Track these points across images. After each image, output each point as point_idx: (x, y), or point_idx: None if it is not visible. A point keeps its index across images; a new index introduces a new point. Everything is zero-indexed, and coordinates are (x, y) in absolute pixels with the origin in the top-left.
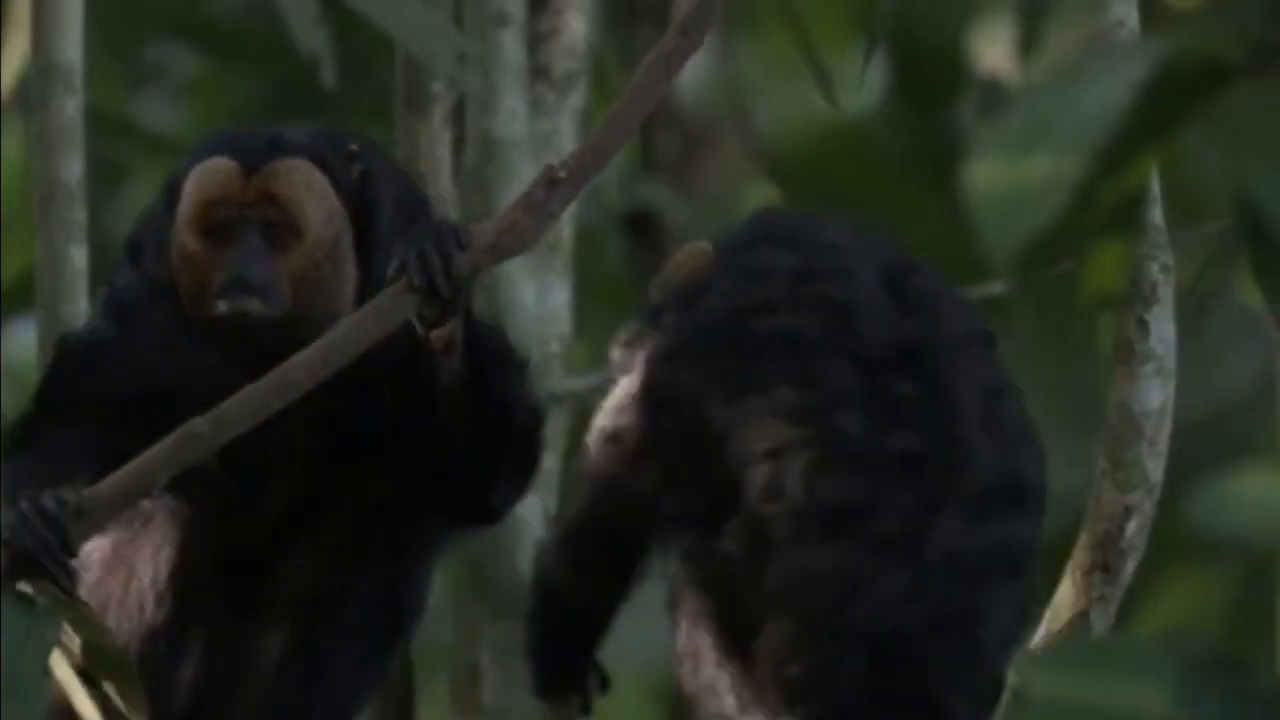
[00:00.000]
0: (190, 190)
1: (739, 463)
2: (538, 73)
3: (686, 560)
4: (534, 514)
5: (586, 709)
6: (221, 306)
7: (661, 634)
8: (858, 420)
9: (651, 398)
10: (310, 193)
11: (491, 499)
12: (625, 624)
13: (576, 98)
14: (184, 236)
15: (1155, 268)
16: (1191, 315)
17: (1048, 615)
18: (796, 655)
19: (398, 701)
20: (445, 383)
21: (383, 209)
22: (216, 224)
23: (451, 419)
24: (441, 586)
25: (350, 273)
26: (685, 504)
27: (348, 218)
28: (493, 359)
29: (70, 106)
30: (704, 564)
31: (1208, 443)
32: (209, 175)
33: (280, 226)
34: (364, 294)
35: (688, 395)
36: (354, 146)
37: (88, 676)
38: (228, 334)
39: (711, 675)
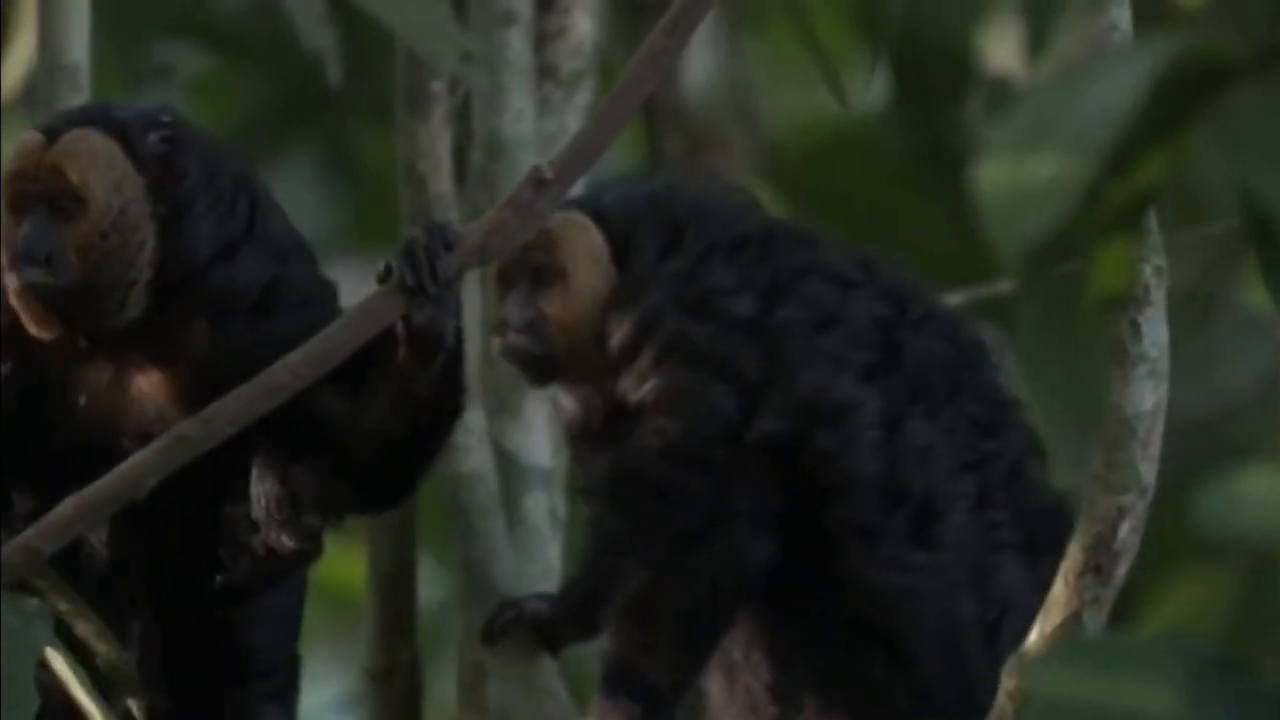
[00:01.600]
0: (8, 162)
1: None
2: (544, 71)
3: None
4: (541, 516)
5: None
6: (14, 280)
7: None
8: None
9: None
10: (94, 162)
11: (414, 484)
12: None
13: (583, 96)
14: (4, 206)
15: (1148, 270)
16: (1195, 316)
17: (1041, 617)
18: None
19: (405, 701)
20: (418, 381)
21: (189, 183)
22: (17, 197)
23: (404, 412)
24: (446, 587)
25: (147, 240)
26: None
27: (145, 186)
28: (457, 356)
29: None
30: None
31: (1211, 443)
32: (18, 149)
33: (64, 197)
34: (165, 261)
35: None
36: (165, 118)
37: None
38: (25, 306)
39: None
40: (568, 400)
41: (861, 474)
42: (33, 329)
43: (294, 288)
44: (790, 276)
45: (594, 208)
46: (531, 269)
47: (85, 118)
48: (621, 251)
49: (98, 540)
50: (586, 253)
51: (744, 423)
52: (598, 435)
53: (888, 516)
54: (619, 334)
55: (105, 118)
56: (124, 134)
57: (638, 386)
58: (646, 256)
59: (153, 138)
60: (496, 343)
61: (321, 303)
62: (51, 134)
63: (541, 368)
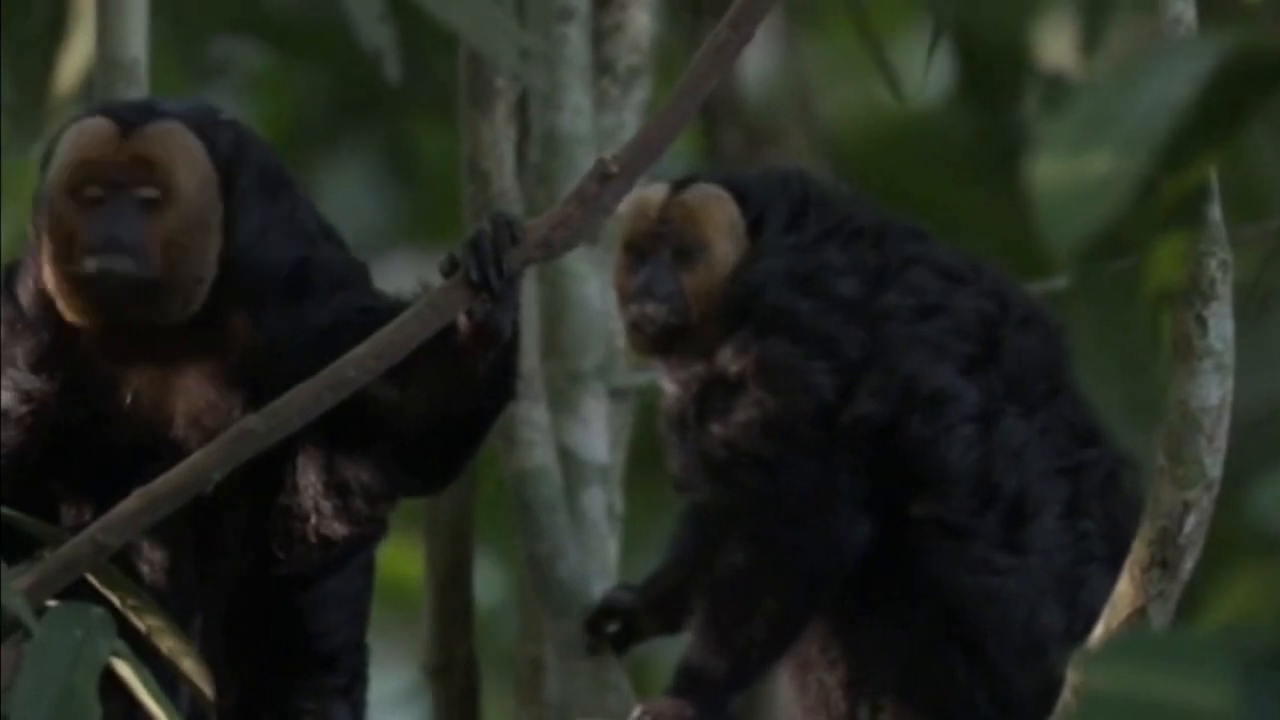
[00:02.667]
0: (65, 150)
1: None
2: (602, 68)
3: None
4: (598, 510)
5: None
6: (90, 265)
7: None
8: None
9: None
10: (185, 156)
11: (462, 467)
12: None
13: (641, 92)
14: (56, 195)
15: (1214, 264)
16: (1253, 311)
17: (1106, 612)
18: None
19: (462, 697)
20: (472, 370)
21: (248, 180)
22: (89, 183)
23: (456, 398)
24: (505, 584)
25: (216, 238)
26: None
27: (219, 184)
28: (514, 345)
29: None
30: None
31: (1268, 439)
32: (85, 135)
33: (152, 189)
34: (225, 262)
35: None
36: (227, 117)
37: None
38: (94, 295)
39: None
40: (669, 383)
41: (955, 467)
42: (75, 315)
43: (324, 269)
44: (899, 265)
45: (731, 182)
46: (673, 240)
47: (159, 111)
48: (755, 226)
49: (154, 539)
50: (726, 225)
51: (841, 403)
52: (695, 413)
53: (978, 515)
54: (726, 300)
55: (179, 112)
56: (203, 131)
57: (738, 357)
58: (772, 230)
59: (225, 136)
60: (631, 309)
61: (355, 282)
62: (125, 124)
63: (670, 338)
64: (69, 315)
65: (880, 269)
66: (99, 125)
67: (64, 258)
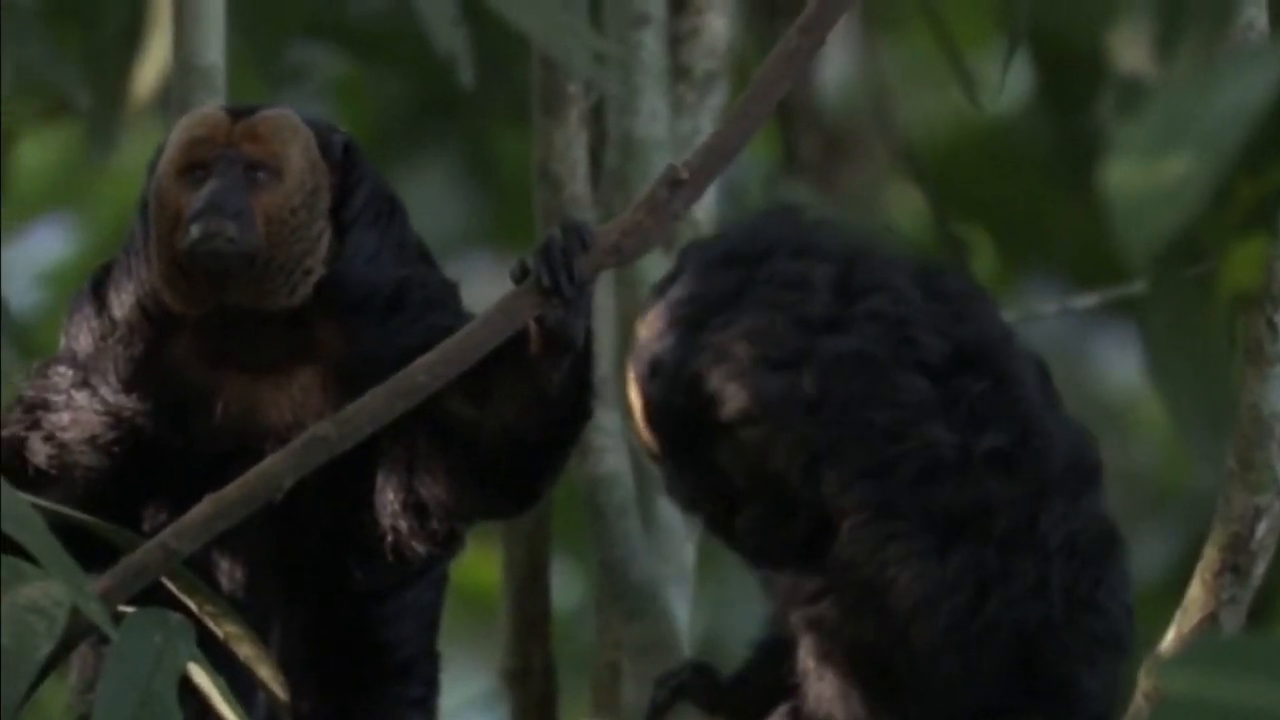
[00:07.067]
0: (176, 136)
1: (834, 489)
2: (678, 73)
3: (797, 601)
4: (675, 517)
5: None
6: (194, 231)
7: None
8: (944, 428)
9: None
10: (295, 137)
11: (543, 488)
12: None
13: (717, 98)
14: (164, 178)
15: None
16: None
17: (1178, 617)
18: (943, 663)
19: (540, 702)
20: (546, 382)
21: (361, 191)
22: (197, 162)
23: (532, 413)
24: (582, 589)
25: (324, 234)
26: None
27: (330, 182)
28: (587, 357)
29: (212, 108)
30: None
31: None
32: (196, 119)
33: (260, 164)
34: (332, 271)
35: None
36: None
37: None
38: (198, 265)
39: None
40: None
41: None
42: (178, 298)
43: (420, 288)
44: None
45: None
46: None
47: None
48: None
49: (235, 552)
50: None
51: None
52: None
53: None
54: None
55: (299, 112)
56: (317, 130)
57: None
58: None
59: (336, 139)
60: None
61: (446, 302)
62: (236, 112)
63: None
64: (172, 301)
65: None
66: (209, 112)
67: (170, 234)
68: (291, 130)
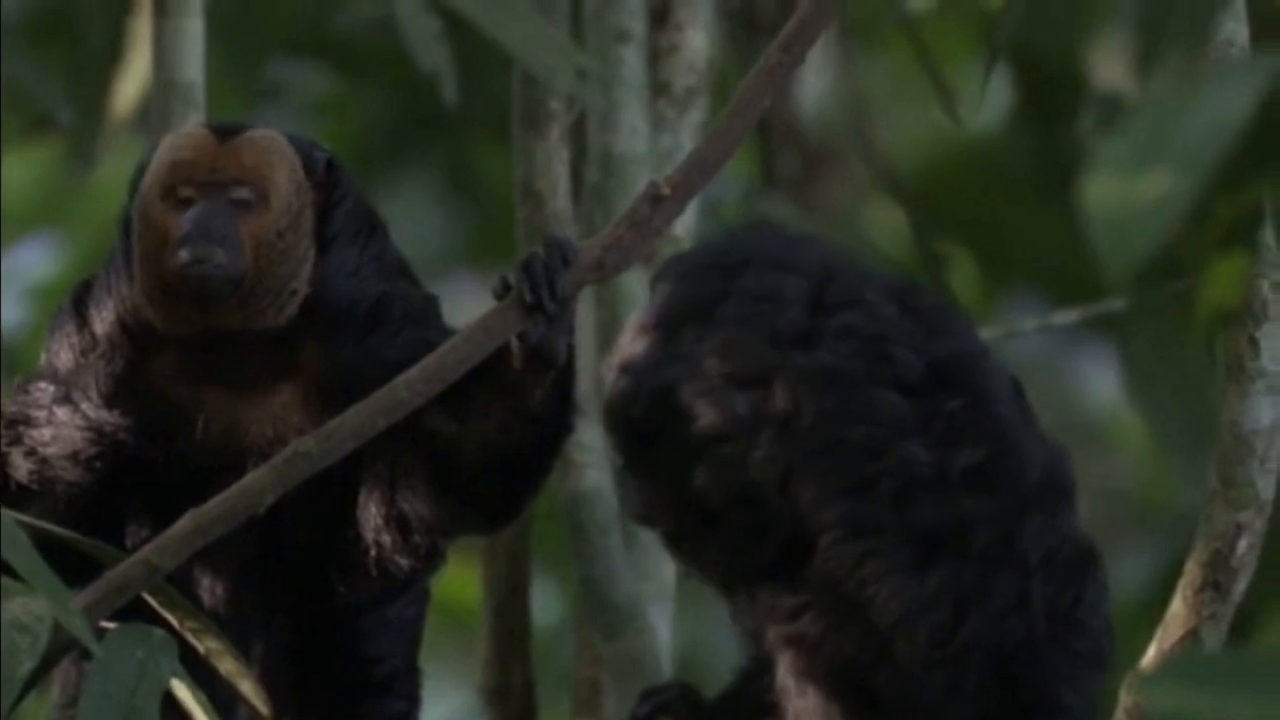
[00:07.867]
0: (161, 155)
1: (810, 506)
2: (658, 89)
3: (775, 619)
4: (656, 534)
5: None
6: (183, 255)
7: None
8: (920, 445)
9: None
10: (281, 160)
11: (524, 504)
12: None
13: (697, 113)
14: (149, 200)
15: (1266, 285)
16: None
17: (1159, 633)
18: (924, 681)
19: (520, 718)
20: (529, 398)
21: (343, 208)
22: (184, 185)
23: (514, 429)
24: (562, 605)
25: (309, 255)
26: (745, 552)
27: (314, 201)
28: (569, 373)
29: (191, 123)
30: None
31: None
32: (181, 140)
33: (247, 190)
34: (314, 288)
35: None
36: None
37: None
38: (186, 289)
39: None
40: None
41: None
42: (164, 319)
43: (402, 303)
44: None
45: None
46: None
47: (251, 126)
48: None
49: (217, 568)
50: None
51: None
52: None
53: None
54: None
55: (282, 132)
56: (300, 149)
57: None
58: None
59: (319, 157)
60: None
61: (427, 318)
62: (221, 133)
63: None
64: (155, 321)
65: None
66: (195, 133)
67: (157, 257)
68: (278, 153)
